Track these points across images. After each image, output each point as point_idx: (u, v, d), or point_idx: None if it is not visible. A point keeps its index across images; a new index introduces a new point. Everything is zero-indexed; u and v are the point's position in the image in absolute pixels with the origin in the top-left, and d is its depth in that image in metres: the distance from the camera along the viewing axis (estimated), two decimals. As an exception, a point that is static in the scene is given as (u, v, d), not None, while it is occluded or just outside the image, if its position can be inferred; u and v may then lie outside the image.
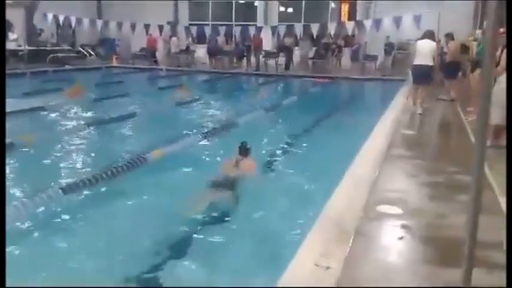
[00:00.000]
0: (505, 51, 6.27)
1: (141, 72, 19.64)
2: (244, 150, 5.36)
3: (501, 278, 2.88)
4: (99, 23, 22.02)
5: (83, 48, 22.70)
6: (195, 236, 4.12)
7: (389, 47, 19.70)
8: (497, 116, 6.16)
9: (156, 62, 22.03)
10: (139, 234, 4.06)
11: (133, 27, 21.05)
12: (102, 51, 23.28)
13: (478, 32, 8.37)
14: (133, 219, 4.40)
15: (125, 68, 20.75)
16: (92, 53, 22.75)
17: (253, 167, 5.28)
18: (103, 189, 5.18)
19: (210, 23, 23.43)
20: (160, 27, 21.19)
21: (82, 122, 8.81)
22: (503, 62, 6.13)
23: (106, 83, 15.94)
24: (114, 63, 21.53)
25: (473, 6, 17.79)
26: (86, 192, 5.04)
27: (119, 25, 21.43)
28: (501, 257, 3.11)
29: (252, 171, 5.21)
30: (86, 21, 21.25)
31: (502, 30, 7.31)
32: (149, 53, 22.36)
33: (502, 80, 6.16)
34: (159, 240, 3.94)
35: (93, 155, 6.88)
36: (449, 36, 11.66)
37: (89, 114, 10.01)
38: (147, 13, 21.98)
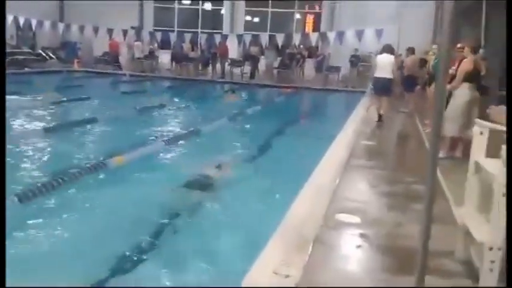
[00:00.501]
0: (462, 64, 6.52)
1: (103, 77, 19.29)
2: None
3: (452, 285, 2.98)
4: (61, 25, 21.53)
5: (43, 51, 22.10)
6: (155, 244, 4.05)
7: (355, 59, 20.11)
8: (453, 129, 6.40)
9: (119, 66, 21.69)
10: (98, 241, 3.97)
11: (95, 30, 20.70)
12: (63, 55, 22.74)
13: (435, 46, 8.74)
14: (92, 226, 4.30)
15: (86, 72, 20.33)
16: (53, 56, 22.18)
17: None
18: (60, 195, 5.04)
19: (176, 29, 23.34)
20: (124, 32, 20.93)
21: (40, 126, 8.56)
22: (459, 75, 6.36)
23: (66, 86, 15.55)
24: (76, 67, 21.06)
25: (433, 21, 18.45)
26: (43, 199, 4.88)
27: (81, 28, 21.02)
28: (453, 265, 3.22)
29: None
30: (47, 24, 20.74)
31: (459, 45, 7.65)
32: (112, 57, 21.99)
33: (458, 94, 6.40)
34: (117, 247, 3.85)
35: (50, 160, 6.69)
36: (410, 51, 12.05)
37: (48, 118, 9.75)
38: (111, 17, 21.61)
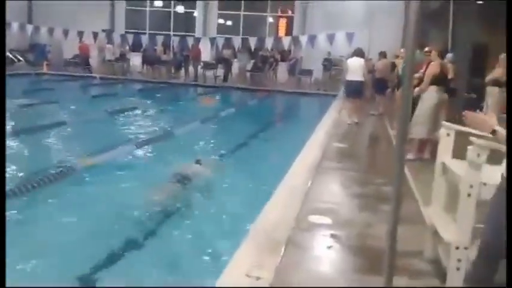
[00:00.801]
0: (429, 67, 6.67)
1: (73, 80, 18.91)
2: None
3: (421, 285, 3.04)
4: (29, 27, 21.02)
5: (11, 54, 21.52)
6: (122, 249, 3.99)
7: (328, 63, 20.31)
8: (422, 131, 6.54)
9: (89, 69, 21.33)
10: (65, 246, 3.88)
11: (65, 33, 20.28)
12: (32, 57, 22.19)
13: (403, 50, 8.97)
14: (59, 231, 4.21)
15: (56, 75, 19.91)
16: (21, 58, 21.63)
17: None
18: (28, 200, 4.92)
19: (148, 32, 23.12)
20: (95, 34, 20.59)
21: (8, 130, 8.32)
22: (427, 79, 6.50)
23: (35, 90, 15.20)
24: (45, 69, 20.60)
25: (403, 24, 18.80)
26: (9, 203, 4.75)
27: (51, 30, 20.57)
28: (421, 265, 3.28)
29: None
30: (15, 25, 20.22)
31: (426, 48, 7.83)
32: (82, 60, 21.61)
33: (426, 97, 6.54)
34: (83, 253, 3.78)
35: (17, 164, 6.50)
36: (382, 55, 12.28)
37: (16, 121, 9.49)
38: (81, 19, 21.20)
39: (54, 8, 21.73)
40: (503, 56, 7.70)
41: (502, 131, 2.30)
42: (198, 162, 6.39)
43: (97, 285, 3.45)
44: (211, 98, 14.86)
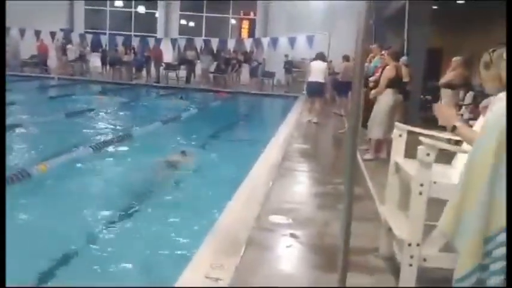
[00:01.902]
0: (384, 71, 6.86)
1: (30, 81, 18.35)
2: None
3: (376, 281, 3.13)
4: (-17, 26, 20.29)
5: (-37, 53, 20.70)
6: (80, 253, 3.93)
7: (289, 65, 20.50)
8: (378, 132, 6.72)
9: (46, 70, 20.75)
10: (17, 256, 3.77)
11: (22, 32, 19.66)
12: (-15, 57, 21.41)
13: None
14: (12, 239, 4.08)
15: (12, 75, 19.24)
16: (-26, 58, 20.82)
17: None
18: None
19: (108, 31, 22.71)
20: (53, 34, 20.04)
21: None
22: (382, 81, 6.69)
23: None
24: (0, 70, 19.91)
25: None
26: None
27: (6, 30, 19.86)
28: (377, 262, 3.37)
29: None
30: (-34, 24, 19.44)
31: (382, 52, 8.04)
32: (40, 60, 21.01)
33: (381, 99, 6.73)
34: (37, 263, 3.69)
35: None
36: (345, 58, 12.62)
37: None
38: (38, 19, 20.57)
39: (10, 6, 20.93)
40: (455, 59, 8.01)
41: (462, 128, 2.44)
42: (183, 153, 7.01)
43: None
44: (184, 100, 14.73)
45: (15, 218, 4.56)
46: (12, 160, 6.71)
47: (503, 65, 2.40)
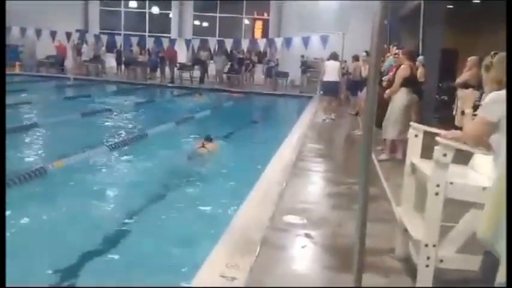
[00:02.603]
0: (399, 70, 6.81)
1: (46, 81, 18.57)
2: (209, 138, 7.56)
3: (392, 282, 3.11)
4: (1, 27, 20.57)
5: (-19, 54, 21.02)
6: (96, 252, 3.96)
7: (304, 66, 20.45)
8: (393, 132, 6.68)
9: (62, 70, 21.01)
10: (35, 250, 3.83)
11: (38, 33, 19.91)
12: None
13: (364, 54, 9.37)
14: (30, 234, 4.15)
15: (28, 75, 19.52)
16: (-8, 59, 21.14)
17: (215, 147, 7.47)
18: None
19: (122, 32, 22.90)
20: (68, 35, 20.28)
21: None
22: (397, 81, 6.64)
23: (7, 90, 14.85)
24: (17, 70, 20.17)
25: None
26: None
27: (23, 31, 20.18)
28: (393, 262, 3.36)
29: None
30: (-16, 25, 19.75)
31: (396, 51, 7.97)
32: (57, 60, 21.28)
33: (396, 98, 6.68)
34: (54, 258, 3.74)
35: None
36: (355, 58, 12.57)
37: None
38: (54, 19, 20.81)
39: (27, 7, 21.28)
40: (470, 59, 7.91)
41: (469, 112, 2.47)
42: (208, 138, 7.49)
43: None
44: (202, 96, 14.97)
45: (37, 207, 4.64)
46: (28, 158, 6.80)
47: (503, 68, 2.39)
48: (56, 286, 3.15)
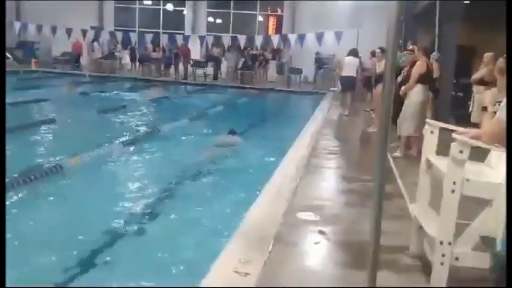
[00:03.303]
0: (415, 66, 6.73)
1: (62, 77, 18.77)
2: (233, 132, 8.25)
3: (407, 279, 3.09)
4: (17, 25, 20.80)
5: (-2, 51, 21.28)
6: (113, 245, 4.01)
7: (319, 63, 20.35)
8: (408, 129, 6.61)
9: (78, 67, 21.22)
10: (52, 246, 3.88)
11: (54, 30, 20.11)
12: (20, 55, 21.98)
13: (378, 50, 9.27)
14: (47, 229, 4.20)
15: (44, 72, 19.75)
16: (9, 56, 21.38)
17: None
18: (15, 197, 4.89)
19: (137, 29, 23.03)
20: (84, 32, 20.44)
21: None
22: (413, 77, 6.57)
23: (23, 87, 15.04)
24: (33, 67, 20.42)
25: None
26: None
27: (39, 28, 20.37)
28: (406, 260, 3.33)
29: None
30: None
31: (410, 47, 7.91)
32: (73, 57, 21.50)
33: (412, 95, 6.61)
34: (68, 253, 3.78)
35: (7, 161, 6.45)
36: (372, 54, 12.50)
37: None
38: (69, 16, 21.04)
39: (42, 5, 21.55)
40: (486, 55, 7.81)
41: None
42: (232, 132, 8.14)
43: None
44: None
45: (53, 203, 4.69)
46: (45, 154, 6.87)
47: None
48: (56, 286, 3.17)
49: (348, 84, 11.59)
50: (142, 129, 9.22)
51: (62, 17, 20.74)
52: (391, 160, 6.38)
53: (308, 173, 5.71)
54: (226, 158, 7.18)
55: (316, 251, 3.54)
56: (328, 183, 5.58)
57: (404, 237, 3.53)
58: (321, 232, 3.79)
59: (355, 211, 4.40)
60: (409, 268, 3.23)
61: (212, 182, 5.92)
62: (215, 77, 20.20)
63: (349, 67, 11.37)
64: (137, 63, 21.31)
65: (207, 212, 4.73)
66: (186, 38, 20.63)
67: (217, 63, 20.41)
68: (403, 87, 6.61)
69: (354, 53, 11.68)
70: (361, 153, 7.90)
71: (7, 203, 4.70)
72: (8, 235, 3.92)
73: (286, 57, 20.61)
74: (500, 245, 2.10)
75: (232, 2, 23.05)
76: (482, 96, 7.28)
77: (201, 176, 6.18)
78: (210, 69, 20.49)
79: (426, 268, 3.06)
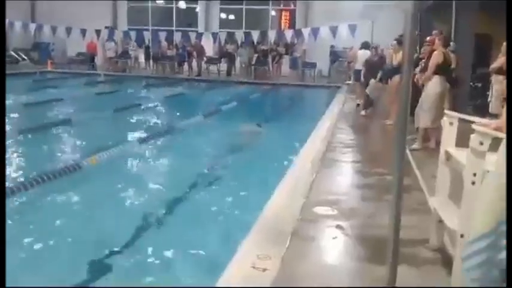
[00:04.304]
0: (432, 56, 6.62)
1: (77, 78, 18.96)
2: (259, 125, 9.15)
3: (427, 273, 3.04)
4: (33, 26, 21.05)
5: (15, 53, 21.58)
6: (133, 244, 4.02)
7: (333, 56, 20.20)
8: (426, 120, 6.52)
9: (93, 66, 21.43)
10: (70, 245, 3.92)
11: (68, 31, 20.30)
12: (36, 56, 22.28)
13: (394, 42, 9.12)
14: (66, 230, 4.24)
15: (60, 73, 19.99)
16: (25, 57, 21.70)
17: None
18: (34, 196, 4.95)
19: (150, 27, 23.14)
20: (98, 32, 20.60)
21: (13, 128, 8.36)
22: (431, 67, 6.46)
23: (40, 88, 15.26)
24: (49, 68, 20.69)
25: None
26: (16, 200, 4.79)
27: (54, 29, 20.58)
28: (426, 254, 3.28)
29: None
30: (18, 25, 20.27)
31: (428, 38, 7.78)
32: (88, 58, 21.70)
33: (429, 86, 6.52)
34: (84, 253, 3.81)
35: (23, 163, 6.55)
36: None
37: (22, 120, 9.55)
38: (83, 17, 21.22)
39: (57, 6, 21.79)
40: (505, 44, 7.65)
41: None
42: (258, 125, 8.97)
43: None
44: (211, 94, 15.19)
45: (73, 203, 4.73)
46: (63, 154, 6.94)
47: None
48: (55, 286, 3.20)
49: (360, 77, 11.66)
50: (157, 127, 9.27)
51: (76, 18, 20.92)
52: (408, 153, 6.29)
53: (324, 167, 5.67)
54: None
55: (334, 246, 3.51)
56: (345, 177, 5.53)
57: (423, 231, 3.49)
58: (339, 227, 3.76)
59: (373, 205, 4.36)
60: (429, 262, 3.18)
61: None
62: (229, 73, 20.21)
63: (361, 60, 11.51)
64: (151, 62, 21.42)
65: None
66: (199, 35, 20.66)
67: (230, 59, 20.42)
68: (420, 76, 6.52)
69: (366, 46, 11.84)
70: (377, 146, 7.81)
71: (23, 202, 4.76)
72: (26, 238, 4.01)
73: (299, 52, 20.48)
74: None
75: (244, -2, 23.01)
76: (501, 86, 7.14)
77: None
78: (223, 66, 20.50)
79: (446, 261, 3.02)
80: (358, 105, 11.43)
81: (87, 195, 5.07)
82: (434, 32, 7.91)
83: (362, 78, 10.85)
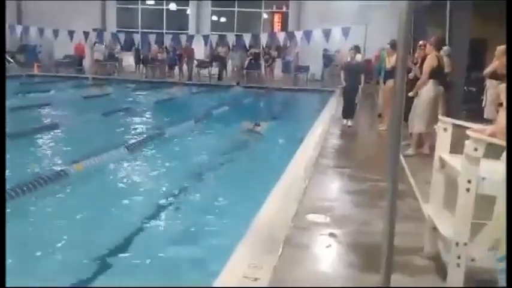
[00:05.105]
0: (426, 60, 6.60)
1: (64, 81, 18.70)
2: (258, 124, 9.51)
3: (421, 281, 2.99)
4: (19, 28, 20.65)
5: (1, 55, 21.24)
6: (124, 251, 3.95)
7: (326, 60, 20.16)
8: (420, 125, 6.48)
9: (80, 70, 21.16)
10: (55, 252, 3.83)
11: (56, 33, 19.94)
12: (22, 59, 21.88)
13: (388, 46, 9.08)
14: (50, 237, 4.13)
15: (47, 76, 19.69)
16: (11, 60, 21.33)
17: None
18: (19, 204, 4.83)
19: (140, 30, 22.91)
20: (86, 34, 20.26)
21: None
22: (425, 71, 6.43)
23: (26, 91, 14.97)
24: (36, 71, 20.36)
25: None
26: None
27: (41, 31, 20.17)
28: (421, 262, 3.23)
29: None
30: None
31: (421, 42, 7.77)
32: (76, 60, 21.44)
33: (423, 90, 6.49)
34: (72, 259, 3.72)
35: (9, 168, 6.39)
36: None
37: (7, 124, 9.35)
38: (71, 19, 20.85)
39: (44, 8, 21.48)
40: (499, 48, 7.64)
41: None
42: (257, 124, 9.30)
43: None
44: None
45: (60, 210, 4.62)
46: (49, 160, 6.81)
47: None
48: (55, 286, 3.11)
49: None
50: (145, 132, 9.19)
51: (63, 20, 20.55)
52: (402, 158, 6.24)
53: (317, 173, 5.61)
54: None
55: (327, 254, 3.45)
56: (338, 183, 5.48)
57: (417, 238, 3.44)
58: (332, 234, 3.70)
59: (366, 212, 4.31)
60: (423, 270, 3.14)
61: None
62: (220, 77, 20.06)
63: None
64: (141, 65, 21.14)
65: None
66: (190, 38, 20.47)
67: (222, 63, 20.29)
68: (418, 82, 6.48)
69: (357, 49, 11.50)
70: (371, 152, 7.76)
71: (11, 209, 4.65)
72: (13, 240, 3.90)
73: (292, 55, 20.43)
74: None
75: (236, 0, 22.91)
76: (495, 90, 7.13)
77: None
78: (214, 69, 20.34)
79: (441, 270, 2.97)
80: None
81: (72, 202, 4.97)
82: (420, 42, 7.91)
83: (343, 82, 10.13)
